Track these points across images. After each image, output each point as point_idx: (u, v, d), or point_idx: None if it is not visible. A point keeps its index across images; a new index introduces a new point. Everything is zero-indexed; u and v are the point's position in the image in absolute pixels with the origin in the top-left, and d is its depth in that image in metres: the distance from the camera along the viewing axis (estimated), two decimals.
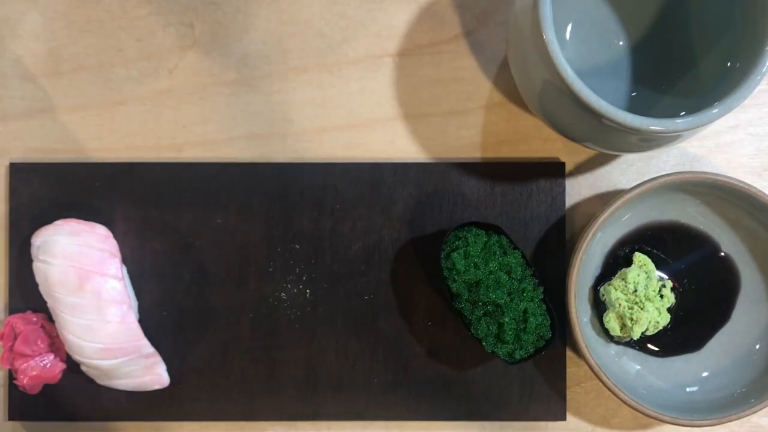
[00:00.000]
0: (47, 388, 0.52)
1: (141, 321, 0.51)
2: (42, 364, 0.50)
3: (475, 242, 0.49)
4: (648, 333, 0.51)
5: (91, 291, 0.48)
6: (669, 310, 0.52)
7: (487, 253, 0.49)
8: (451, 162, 0.53)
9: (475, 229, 0.50)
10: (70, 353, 0.50)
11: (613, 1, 0.52)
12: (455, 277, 0.49)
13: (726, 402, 0.50)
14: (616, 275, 0.51)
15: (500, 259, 0.49)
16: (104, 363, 0.49)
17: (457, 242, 0.50)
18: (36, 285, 0.50)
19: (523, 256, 0.50)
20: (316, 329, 0.53)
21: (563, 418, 0.53)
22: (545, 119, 0.49)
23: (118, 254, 0.50)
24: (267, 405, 0.53)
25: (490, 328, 0.49)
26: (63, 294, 0.48)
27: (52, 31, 0.54)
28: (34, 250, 0.49)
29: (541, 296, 0.50)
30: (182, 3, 0.54)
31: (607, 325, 0.51)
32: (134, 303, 0.52)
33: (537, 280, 0.50)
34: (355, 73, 0.54)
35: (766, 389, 0.49)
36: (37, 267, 0.49)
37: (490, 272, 0.49)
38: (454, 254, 0.49)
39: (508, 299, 0.49)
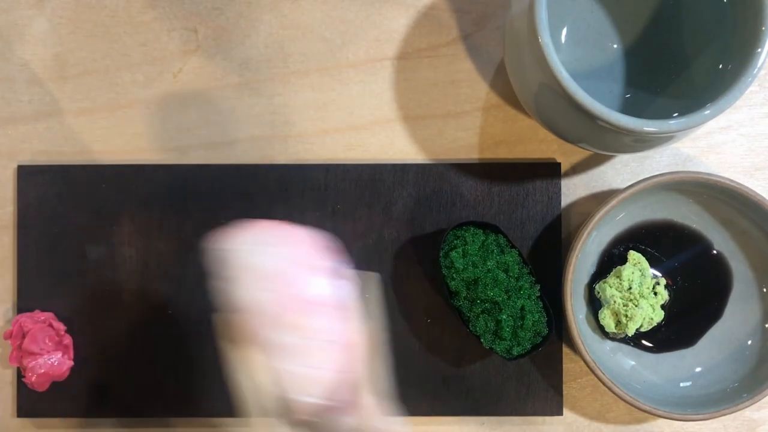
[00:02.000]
0: (55, 385, 0.52)
1: (150, 319, 0.51)
2: (50, 362, 0.51)
3: (473, 241, 0.50)
4: (642, 329, 0.51)
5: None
6: (663, 306, 0.52)
7: (485, 252, 0.50)
8: (449, 163, 0.54)
9: (473, 228, 0.51)
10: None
11: (608, 6, 0.52)
12: (454, 275, 0.50)
13: (719, 397, 0.50)
14: (611, 273, 0.52)
15: (498, 257, 0.50)
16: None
17: (455, 241, 0.51)
18: (44, 283, 0.50)
19: (520, 255, 0.51)
20: None
21: (560, 413, 0.53)
22: (541, 121, 0.49)
23: (330, 268, 0.40)
24: None
25: (488, 325, 0.50)
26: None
27: (58, 36, 0.54)
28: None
29: (538, 293, 0.50)
30: (186, 8, 0.55)
31: (602, 322, 0.51)
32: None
33: (534, 278, 0.51)
34: (355, 77, 0.55)
35: (757, 384, 0.49)
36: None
37: (488, 270, 0.49)
38: (453, 253, 0.50)
39: (506, 297, 0.49)
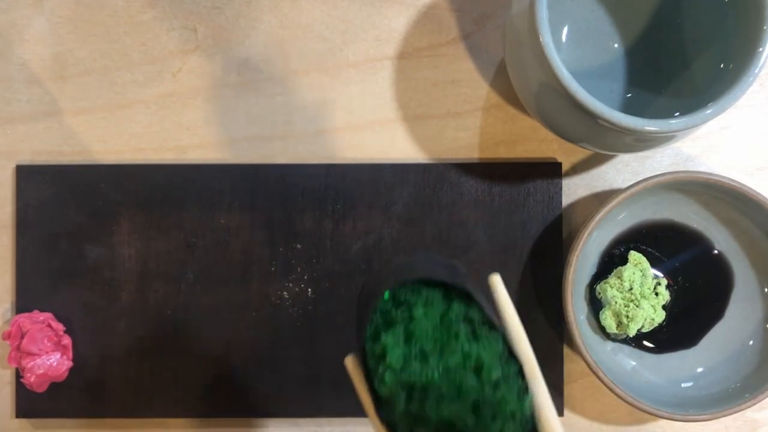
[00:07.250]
0: (54, 386, 0.52)
1: (150, 319, 0.51)
2: (48, 363, 0.51)
3: (427, 313, 0.30)
4: (643, 330, 0.51)
5: None
6: (664, 307, 0.52)
7: (445, 334, 0.30)
8: (450, 163, 0.54)
9: (426, 290, 0.31)
10: None
11: (609, 5, 0.52)
12: (387, 374, 0.29)
13: (720, 397, 0.50)
14: (612, 273, 0.52)
15: (466, 345, 0.30)
16: None
17: (394, 311, 0.30)
18: (43, 283, 0.50)
19: (504, 341, 0.31)
20: (317, 327, 0.53)
21: (561, 414, 0.53)
22: (542, 120, 0.49)
23: None
24: (269, 402, 0.53)
25: None
26: None
27: (58, 35, 0.54)
28: None
29: (530, 411, 0.32)
30: (186, 7, 0.55)
31: (603, 323, 0.51)
32: None
33: (525, 383, 0.32)
34: (355, 76, 0.55)
35: (759, 384, 0.49)
36: None
37: (448, 370, 0.30)
38: (387, 334, 0.30)
39: (474, 418, 0.30)
